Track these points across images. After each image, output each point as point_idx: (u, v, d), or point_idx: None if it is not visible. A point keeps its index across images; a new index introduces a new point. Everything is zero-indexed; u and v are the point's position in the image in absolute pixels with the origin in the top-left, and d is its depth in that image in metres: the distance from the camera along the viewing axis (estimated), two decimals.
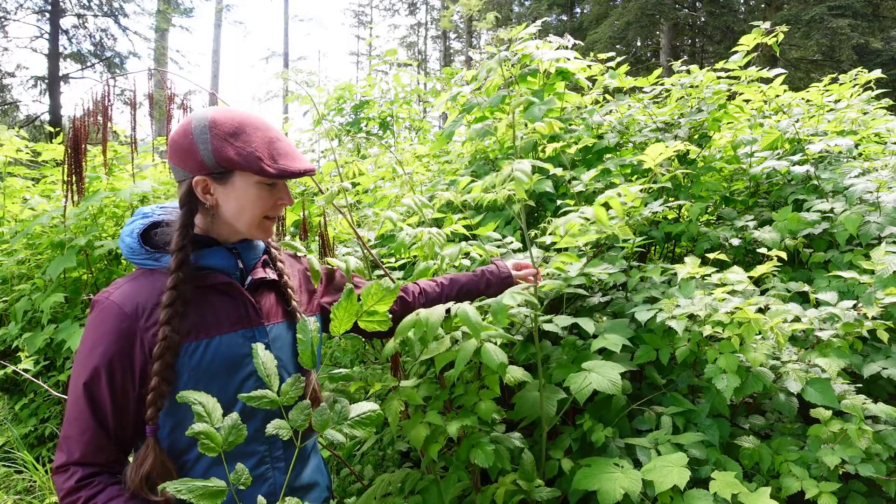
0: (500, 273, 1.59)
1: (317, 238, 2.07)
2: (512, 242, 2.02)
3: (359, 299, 0.96)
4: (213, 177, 1.03)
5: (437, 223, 2.26)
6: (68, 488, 0.95)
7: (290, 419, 0.85)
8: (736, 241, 2.08)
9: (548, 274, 1.77)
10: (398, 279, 2.06)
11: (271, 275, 1.16)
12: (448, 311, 1.31)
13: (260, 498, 0.85)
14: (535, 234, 1.78)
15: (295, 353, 1.15)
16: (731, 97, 2.61)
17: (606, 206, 1.61)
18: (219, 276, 1.08)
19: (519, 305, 1.61)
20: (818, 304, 1.73)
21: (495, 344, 1.39)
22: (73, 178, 1.81)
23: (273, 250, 1.22)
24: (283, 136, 1.09)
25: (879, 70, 2.89)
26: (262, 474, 1.07)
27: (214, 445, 0.78)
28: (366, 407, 0.89)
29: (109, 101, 1.73)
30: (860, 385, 1.67)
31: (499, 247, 2.02)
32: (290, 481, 1.11)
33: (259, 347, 0.86)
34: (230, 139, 1.01)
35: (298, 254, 1.35)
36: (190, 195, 1.05)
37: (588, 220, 1.51)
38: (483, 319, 1.49)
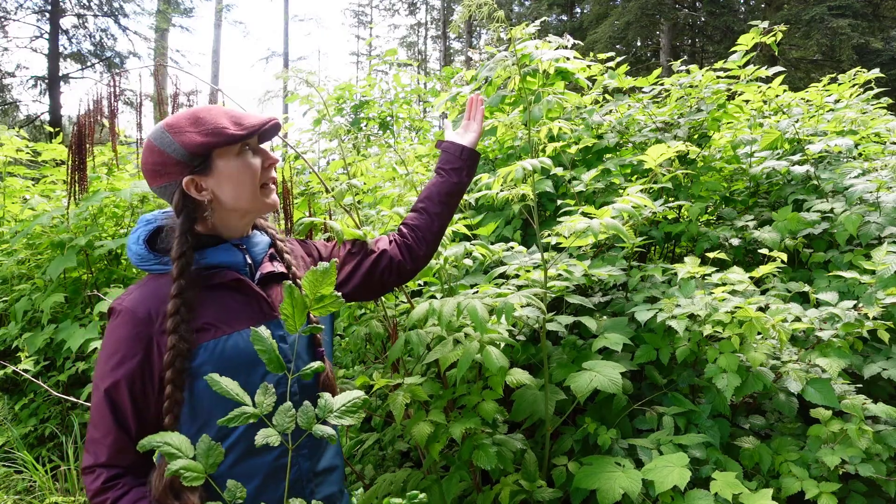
0: (455, 152, 1.43)
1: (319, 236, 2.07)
2: (514, 246, 2.01)
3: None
4: (196, 171, 1.06)
5: None
6: (95, 489, 0.99)
7: (276, 423, 0.86)
8: (736, 241, 2.08)
9: (557, 275, 1.77)
10: None
11: (279, 268, 1.18)
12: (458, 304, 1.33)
13: None
14: (544, 234, 1.78)
15: (309, 342, 1.17)
16: (731, 97, 2.61)
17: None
18: (228, 273, 1.09)
19: (523, 306, 1.61)
20: (818, 304, 1.74)
21: (498, 347, 1.39)
22: (77, 176, 1.81)
23: (279, 242, 1.23)
24: (237, 110, 1.12)
25: (878, 69, 2.90)
26: (287, 463, 1.08)
27: (198, 475, 0.80)
28: (351, 395, 0.89)
29: (117, 97, 1.72)
30: (860, 385, 1.67)
31: (506, 251, 2.01)
32: (312, 466, 1.13)
33: (214, 375, 0.87)
34: (191, 129, 1.04)
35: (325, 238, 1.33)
36: (184, 199, 1.06)
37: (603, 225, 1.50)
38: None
